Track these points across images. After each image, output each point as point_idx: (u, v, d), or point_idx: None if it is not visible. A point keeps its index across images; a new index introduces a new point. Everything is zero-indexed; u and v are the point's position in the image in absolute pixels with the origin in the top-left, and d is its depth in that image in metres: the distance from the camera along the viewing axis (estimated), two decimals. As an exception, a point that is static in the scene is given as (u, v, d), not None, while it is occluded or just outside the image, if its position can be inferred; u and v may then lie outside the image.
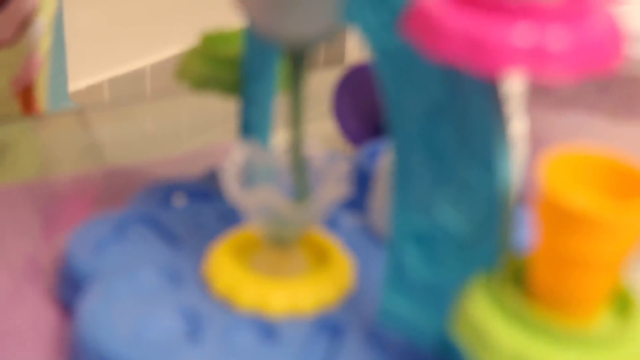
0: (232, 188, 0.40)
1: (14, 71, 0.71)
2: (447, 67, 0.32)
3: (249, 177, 0.42)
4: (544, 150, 0.47)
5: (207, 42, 0.50)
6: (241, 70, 0.48)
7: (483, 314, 0.31)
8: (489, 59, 0.28)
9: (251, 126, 0.48)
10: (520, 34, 0.27)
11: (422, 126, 0.34)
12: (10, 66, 0.71)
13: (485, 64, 0.28)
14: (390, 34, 0.34)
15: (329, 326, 0.40)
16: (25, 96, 0.75)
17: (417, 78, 0.34)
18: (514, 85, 0.45)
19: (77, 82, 1.46)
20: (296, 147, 0.41)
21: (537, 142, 0.49)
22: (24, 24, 0.69)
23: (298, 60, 0.40)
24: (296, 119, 0.41)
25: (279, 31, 0.38)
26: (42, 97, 0.77)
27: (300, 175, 0.42)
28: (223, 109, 0.58)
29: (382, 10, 0.33)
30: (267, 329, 0.40)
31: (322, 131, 0.65)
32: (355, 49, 1.61)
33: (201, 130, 0.69)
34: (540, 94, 0.51)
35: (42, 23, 0.71)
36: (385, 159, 0.46)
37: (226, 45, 0.51)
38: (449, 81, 0.32)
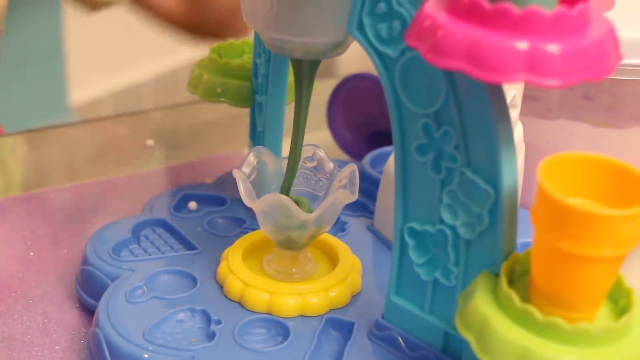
0: (244, 193, 0.41)
1: None
2: (450, 75, 0.33)
3: (260, 182, 0.43)
4: (532, 155, 0.48)
5: (217, 53, 0.51)
6: (252, 80, 0.49)
7: (487, 311, 0.32)
8: (490, 68, 0.29)
9: (262, 134, 0.49)
10: (519, 45, 0.28)
11: (426, 131, 0.35)
12: None
13: (486, 73, 0.29)
14: (393, 45, 0.35)
15: (338, 326, 0.41)
16: None
17: (420, 85, 0.35)
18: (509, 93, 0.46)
19: (80, 95, 1.46)
20: (295, 148, 0.42)
21: (526, 147, 0.50)
22: None
23: (304, 71, 0.41)
24: (298, 125, 0.42)
25: (287, 45, 0.40)
26: None
27: (290, 174, 0.42)
28: (234, 117, 0.59)
29: (385, 22, 0.35)
30: (278, 330, 0.40)
31: (317, 140, 0.65)
32: (344, 61, 1.60)
33: (212, 137, 0.70)
34: (528, 102, 0.52)
35: None
36: (389, 165, 0.47)
37: (236, 56, 0.52)
38: (451, 88, 0.34)
